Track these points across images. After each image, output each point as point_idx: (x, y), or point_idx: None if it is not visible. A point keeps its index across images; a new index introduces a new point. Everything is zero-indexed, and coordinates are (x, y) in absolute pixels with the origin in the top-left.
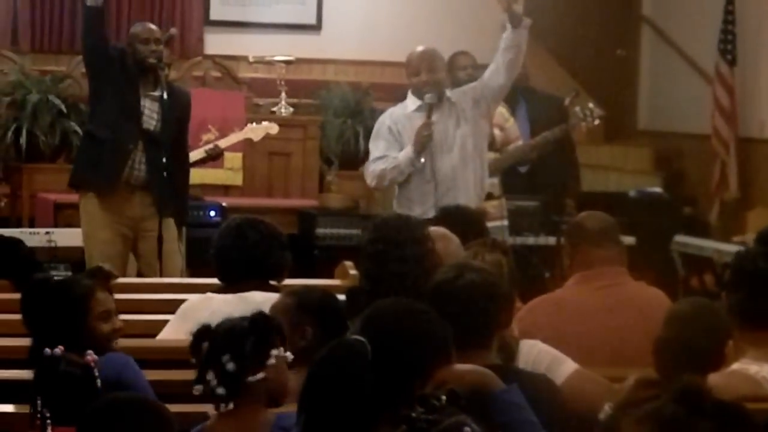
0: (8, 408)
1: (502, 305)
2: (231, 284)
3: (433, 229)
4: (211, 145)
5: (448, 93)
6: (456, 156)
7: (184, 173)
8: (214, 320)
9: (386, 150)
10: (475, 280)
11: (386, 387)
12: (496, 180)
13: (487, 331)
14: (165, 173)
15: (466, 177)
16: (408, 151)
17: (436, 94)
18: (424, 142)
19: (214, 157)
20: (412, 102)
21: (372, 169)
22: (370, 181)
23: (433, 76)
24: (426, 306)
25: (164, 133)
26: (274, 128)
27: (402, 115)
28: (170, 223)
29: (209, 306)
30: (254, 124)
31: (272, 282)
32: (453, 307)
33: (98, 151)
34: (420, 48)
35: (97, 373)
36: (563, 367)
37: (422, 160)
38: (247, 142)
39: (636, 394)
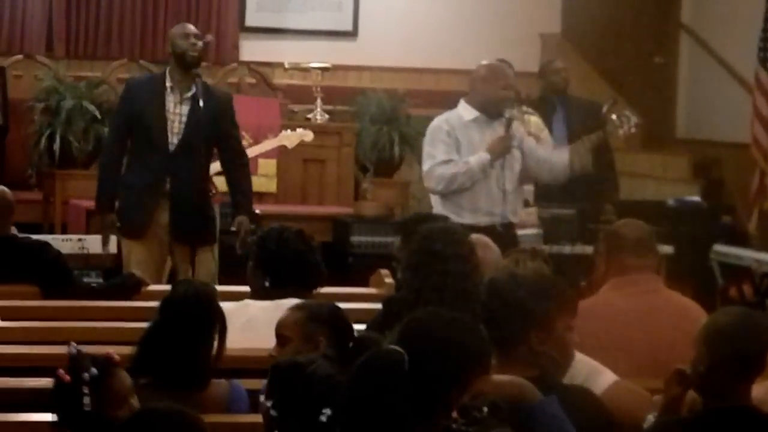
0: (37, 417)
1: None
2: (271, 291)
3: (474, 237)
4: None
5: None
6: (515, 170)
7: (239, 176)
8: (250, 327)
9: (447, 154)
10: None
11: (423, 397)
12: (531, 187)
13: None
14: (193, 182)
15: (516, 191)
16: (484, 157)
17: (513, 110)
18: (502, 152)
19: None
20: (467, 112)
21: (441, 172)
22: (437, 184)
23: (513, 92)
24: (464, 316)
25: (195, 135)
26: (308, 135)
27: (459, 123)
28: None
29: (246, 313)
30: (289, 131)
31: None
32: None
33: (130, 197)
34: (496, 61)
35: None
36: (602, 378)
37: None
38: (282, 149)
39: (672, 391)
